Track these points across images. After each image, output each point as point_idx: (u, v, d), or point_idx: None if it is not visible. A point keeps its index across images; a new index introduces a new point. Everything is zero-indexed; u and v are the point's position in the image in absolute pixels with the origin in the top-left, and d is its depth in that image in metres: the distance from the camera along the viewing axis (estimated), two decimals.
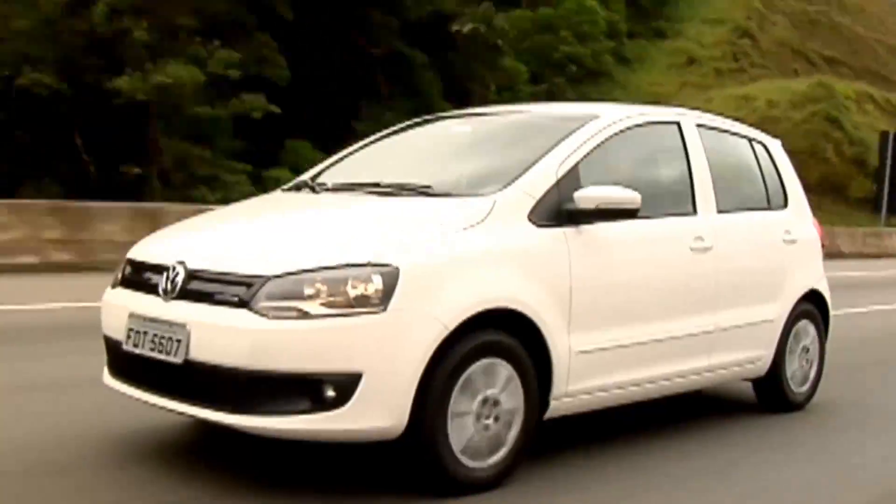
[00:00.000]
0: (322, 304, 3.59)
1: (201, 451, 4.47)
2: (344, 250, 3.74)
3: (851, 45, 51.03)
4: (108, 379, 4.32)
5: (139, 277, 4.22)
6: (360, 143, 5.48)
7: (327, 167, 5.26)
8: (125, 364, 4.13)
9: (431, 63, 30.78)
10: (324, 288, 3.61)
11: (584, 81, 37.02)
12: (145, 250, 4.37)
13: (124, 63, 21.50)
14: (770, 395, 5.75)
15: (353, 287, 3.61)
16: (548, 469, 4.25)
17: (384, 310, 3.60)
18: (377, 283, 3.62)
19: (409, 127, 5.52)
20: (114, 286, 4.41)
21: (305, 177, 5.15)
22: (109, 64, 21.65)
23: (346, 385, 3.56)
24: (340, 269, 3.65)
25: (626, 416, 5.09)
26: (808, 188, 6.44)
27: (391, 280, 3.63)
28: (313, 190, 4.85)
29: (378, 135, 5.54)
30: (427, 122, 5.53)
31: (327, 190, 4.77)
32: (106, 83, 20.73)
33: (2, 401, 5.18)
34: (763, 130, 6.04)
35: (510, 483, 3.99)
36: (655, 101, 23.43)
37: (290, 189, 5.08)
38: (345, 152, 5.42)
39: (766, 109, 39.35)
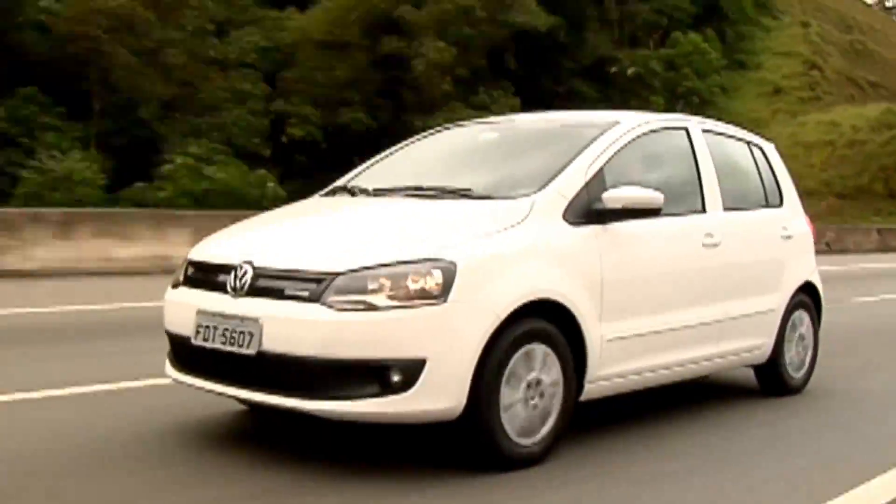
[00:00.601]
0: (386, 297, 3.95)
1: (256, 441, 4.79)
2: (404, 248, 4.11)
3: (885, 69, 57.00)
4: (172, 371, 4.64)
5: (204, 277, 4.54)
6: (388, 151, 5.83)
7: (358, 174, 5.61)
8: (193, 357, 4.44)
9: (599, 98, 42.90)
10: (387, 282, 3.97)
11: (698, 110, 43.55)
12: (207, 251, 4.69)
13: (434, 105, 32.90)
14: (770, 381, 6.17)
15: (414, 281, 3.97)
16: (567, 453, 4.61)
17: (444, 301, 3.97)
18: (437, 277, 3.98)
19: (435, 134, 5.90)
20: (175, 286, 4.73)
21: (340, 182, 5.49)
22: (418, 104, 33.07)
23: (412, 370, 3.92)
24: (402, 264, 4.01)
25: (635, 403, 5.47)
26: None
27: (450, 275, 4.00)
28: (352, 194, 5.19)
29: (404, 142, 5.90)
30: (452, 129, 5.90)
31: (367, 194, 5.12)
32: (416, 121, 26.11)
33: None
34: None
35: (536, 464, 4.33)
36: (755, 125, 27.21)
37: (326, 194, 5.42)
38: (374, 160, 5.78)
39: (853, 133, 46.43)
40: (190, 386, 4.49)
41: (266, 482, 4.01)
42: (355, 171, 5.67)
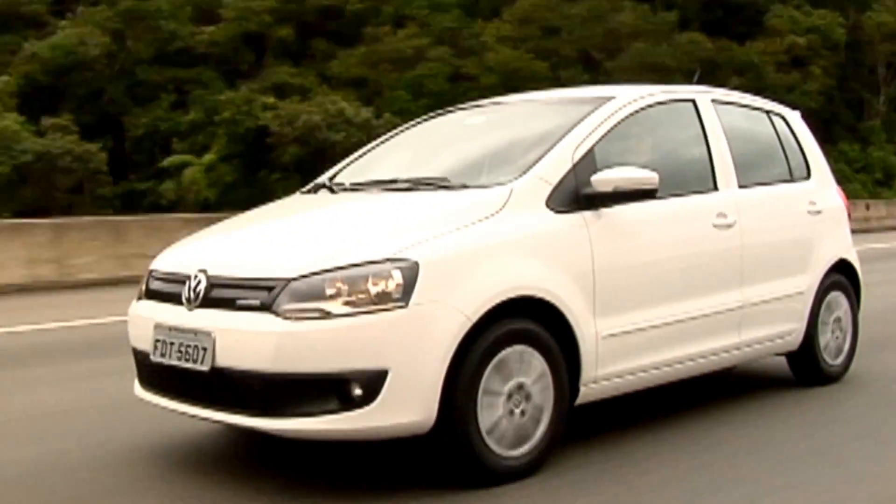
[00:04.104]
0: (344, 303, 3.59)
1: (241, 456, 4.49)
2: (362, 248, 3.74)
3: None
4: (139, 391, 4.35)
5: (162, 288, 4.24)
6: (376, 142, 5.48)
7: (344, 167, 5.26)
8: (154, 375, 4.15)
9: None
10: (344, 287, 3.61)
11: None
12: (167, 261, 4.39)
13: None
14: (805, 369, 5.68)
15: (374, 284, 3.61)
16: (571, 455, 4.24)
17: (405, 305, 3.60)
18: (397, 278, 3.61)
19: (424, 121, 5.52)
20: (139, 298, 4.44)
21: (323, 178, 5.15)
22: None
23: (373, 382, 3.56)
24: (360, 266, 3.64)
25: (653, 396, 5.05)
26: None
27: (411, 275, 3.62)
28: (331, 190, 4.85)
29: (392, 132, 5.55)
30: (441, 115, 5.52)
31: (344, 189, 4.78)
32: None
33: None
34: None
35: (542, 470, 3.98)
36: None
37: (308, 191, 5.09)
38: (361, 151, 5.43)
39: None
40: (155, 405, 4.20)
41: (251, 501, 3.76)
42: (341, 165, 5.33)
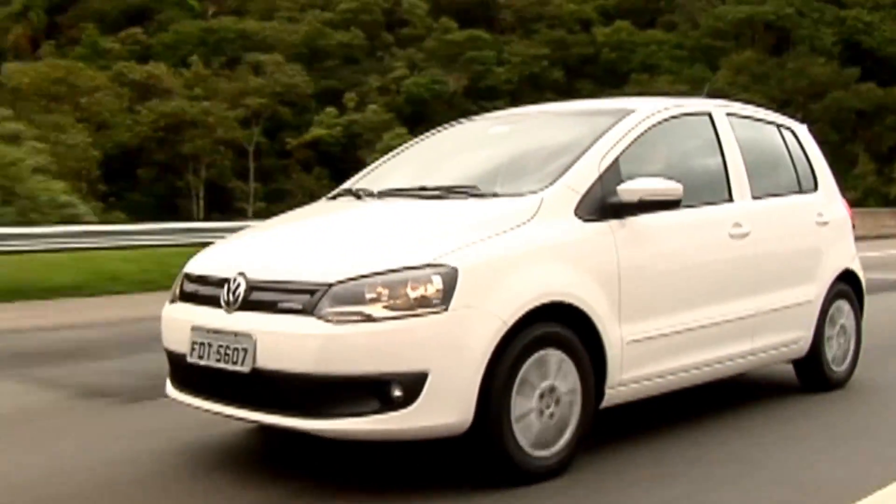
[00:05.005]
0: (384, 307, 3.70)
1: (268, 456, 4.58)
2: (402, 254, 3.85)
3: None
4: (172, 391, 4.44)
5: (198, 291, 4.33)
6: (397, 150, 5.58)
7: (367, 174, 5.36)
8: (190, 376, 4.23)
9: None
10: (385, 291, 3.72)
11: None
12: (202, 264, 4.48)
13: None
14: (811, 376, 5.83)
15: (413, 289, 3.72)
16: (590, 458, 4.35)
17: (445, 309, 3.71)
18: (437, 283, 3.72)
19: (445, 130, 5.63)
20: (172, 301, 4.52)
21: (347, 185, 5.25)
22: None
23: (413, 384, 3.67)
24: (400, 272, 3.75)
25: (662, 401, 5.18)
26: None
27: (450, 280, 3.74)
28: (358, 197, 4.94)
29: (414, 140, 5.65)
30: (461, 124, 5.64)
31: (371, 196, 4.87)
32: None
33: None
34: None
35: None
36: None
37: (333, 197, 5.18)
38: (383, 159, 5.53)
39: None
40: (189, 405, 4.29)
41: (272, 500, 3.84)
42: (363, 172, 5.43)
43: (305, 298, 3.79)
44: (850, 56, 63.87)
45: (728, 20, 65.87)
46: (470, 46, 64.06)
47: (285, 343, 3.78)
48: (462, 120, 5.77)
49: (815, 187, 5.95)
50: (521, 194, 4.30)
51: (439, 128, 5.70)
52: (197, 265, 4.51)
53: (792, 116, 6.32)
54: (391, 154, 5.56)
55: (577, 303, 4.09)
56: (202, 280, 4.34)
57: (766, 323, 5.21)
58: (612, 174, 4.45)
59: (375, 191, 4.89)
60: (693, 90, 56.07)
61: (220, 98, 55.13)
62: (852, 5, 66.22)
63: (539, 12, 67.58)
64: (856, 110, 59.83)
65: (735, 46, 64.95)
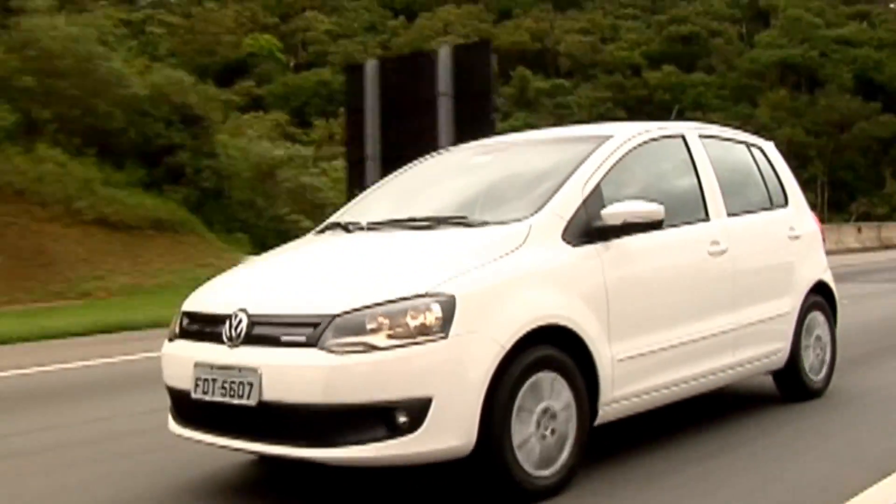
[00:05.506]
0: (386, 337, 3.81)
1: (266, 488, 4.67)
2: (401, 284, 3.97)
3: None
4: (175, 427, 4.52)
5: (199, 328, 4.42)
6: (381, 182, 5.71)
7: (352, 206, 5.49)
8: (194, 411, 4.32)
9: None
10: (385, 321, 3.84)
11: None
12: (200, 302, 4.57)
13: None
14: (790, 386, 6.01)
15: (413, 318, 3.84)
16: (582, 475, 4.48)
17: (445, 336, 3.83)
18: (436, 311, 3.85)
19: (428, 160, 5.77)
20: (171, 339, 4.60)
21: (334, 219, 5.36)
22: None
23: (418, 410, 3.79)
24: (400, 301, 3.87)
25: (649, 420, 5.33)
26: None
27: (449, 308, 3.87)
28: (347, 230, 5.05)
29: (397, 171, 5.78)
30: (444, 154, 5.78)
31: (361, 229, 4.98)
32: None
33: None
34: None
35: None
36: None
37: (321, 231, 5.29)
38: (367, 192, 5.66)
39: None
40: (195, 441, 4.37)
41: None
42: (349, 205, 5.55)
43: (309, 331, 3.90)
44: (866, 91, 73.00)
45: (761, 63, 77.27)
46: (550, 93, 71.62)
47: (292, 375, 3.88)
48: (441, 150, 5.90)
49: (786, 202, 6.16)
50: (509, 222, 4.44)
51: (421, 159, 5.83)
52: (195, 303, 4.60)
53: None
54: (375, 186, 5.68)
55: (569, 324, 4.23)
56: (202, 317, 4.43)
57: (746, 336, 5.39)
58: (595, 198, 4.61)
59: (364, 223, 5.01)
60: (742, 126, 61.98)
61: None
62: (861, 45, 76.62)
63: (594, 59, 77.03)
64: (879, 138, 69.60)
65: (770, 86, 75.71)
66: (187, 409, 4.38)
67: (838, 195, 66.26)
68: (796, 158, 68.60)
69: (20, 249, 19.91)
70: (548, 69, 75.73)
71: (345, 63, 39.48)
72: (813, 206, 6.01)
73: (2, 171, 21.65)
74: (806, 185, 68.74)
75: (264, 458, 4.83)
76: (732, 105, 72.38)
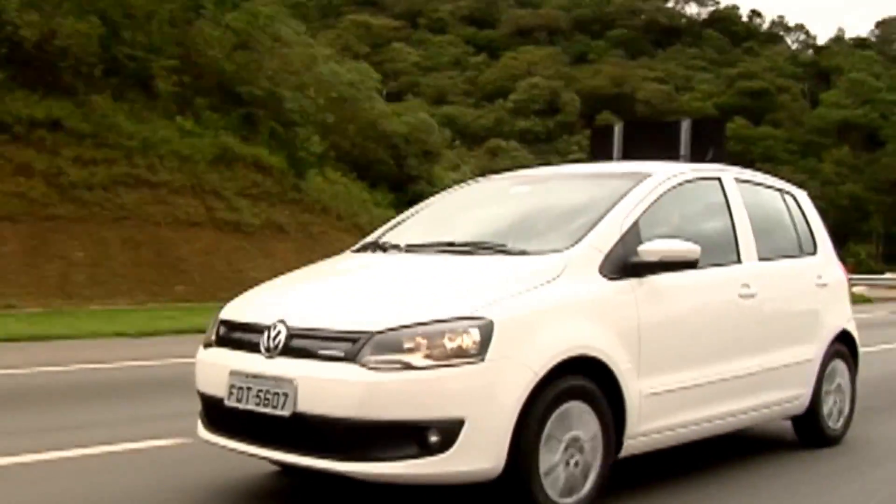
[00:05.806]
0: (424, 357, 3.89)
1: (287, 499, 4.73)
2: (440, 306, 4.05)
3: None
4: (204, 433, 4.59)
5: (236, 337, 4.49)
6: (418, 206, 5.79)
7: (390, 228, 5.57)
8: (227, 419, 4.39)
9: None
10: (423, 341, 3.91)
11: None
12: (239, 311, 4.65)
13: None
14: (809, 432, 6.06)
15: (451, 340, 3.91)
16: None
17: (482, 360, 3.90)
18: (475, 335, 3.92)
19: (466, 188, 5.85)
20: (206, 346, 4.68)
21: (371, 238, 5.45)
22: None
23: (450, 431, 3.85)
24: (438, 323, 3.95)
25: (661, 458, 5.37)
26: None
27: (487, 332, 3.94)
28: (384, 250, 5.14)
29: (434, 197, 5.86)
30: (482, 182, 5.87)
31: (399, 250, 5.06)
32: None
33: None
34: None
35: None
36: None
37: (358, 250, 5.37)
38: (404, 215, 5.73)
39: None
40: (223, 447, 4.44)
41: None
42: (386, 227, 5.63)
43: (348, 346, 3.97)
44: None
45: (826, 120, 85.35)
46: None
47: (328, 388, 3.95)
48: (479, 179, 5.99)
49: (815, 250, 6.23)
50: (548, 252, 4.51)
51: (457, 186, 5.91)
52: (234, 312, 4.68)
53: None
54: (413, 210, 5.76)
55: (601, 356, 4.30)
56: (240, 326, 4.51)
57: (770, 380, 5.44)
58: (633, 234, 4.68)
59: (402, 244, 5.09)
60: (809, 179, 69.97)
61: None
62: None
63: (669, 107, 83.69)
64: None
65: (833, 142, 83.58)
66: (219, 415, 4.45)
67: (893, 248, 70.04)
68: (857, 212, 74.42)
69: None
70: (625, 114, 78.26)
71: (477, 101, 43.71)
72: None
73: (312, 189, 27.80)
74: (865, 237, 68.34)
75: (287, 469, 4.89)
76: (800, 159, 77.13)
